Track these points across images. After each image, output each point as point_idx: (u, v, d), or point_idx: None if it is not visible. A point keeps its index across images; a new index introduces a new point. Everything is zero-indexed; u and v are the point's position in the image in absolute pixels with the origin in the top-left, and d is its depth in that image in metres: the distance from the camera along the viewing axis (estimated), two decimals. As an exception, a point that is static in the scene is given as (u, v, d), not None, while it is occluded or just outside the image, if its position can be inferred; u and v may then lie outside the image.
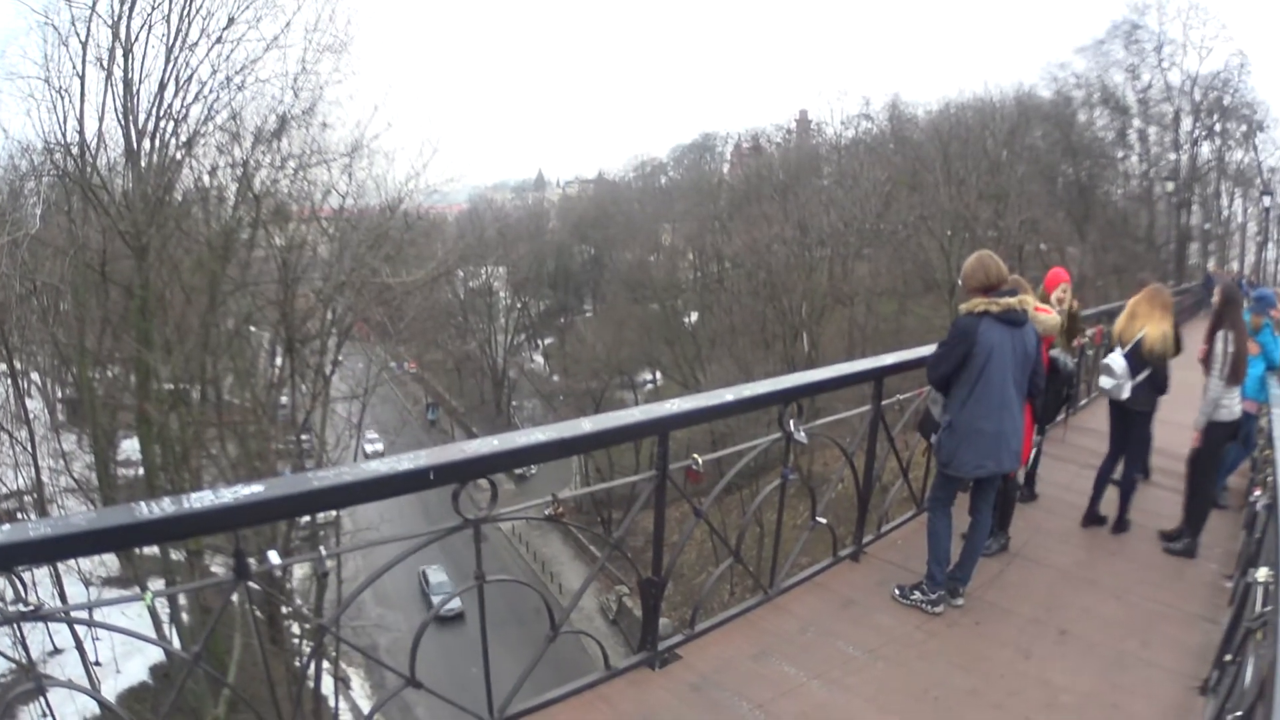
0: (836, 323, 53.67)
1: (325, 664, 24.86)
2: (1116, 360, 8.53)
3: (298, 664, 24.01)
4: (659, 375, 66.15)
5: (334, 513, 25.66)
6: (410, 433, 50.30)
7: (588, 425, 4.87)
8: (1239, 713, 3.82)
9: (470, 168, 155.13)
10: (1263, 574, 4.90)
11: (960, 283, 6.74)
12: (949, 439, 6.53)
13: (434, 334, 65.93)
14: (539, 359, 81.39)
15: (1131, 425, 8.65)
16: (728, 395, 5.71)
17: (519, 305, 78.75)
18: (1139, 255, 52.02)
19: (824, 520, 6.94)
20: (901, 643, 6.20)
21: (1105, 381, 8.66)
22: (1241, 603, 5.49)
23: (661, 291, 66.52)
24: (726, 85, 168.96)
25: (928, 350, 7.59)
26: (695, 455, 5.49)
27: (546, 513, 4.97)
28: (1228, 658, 5.12)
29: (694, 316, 65.84)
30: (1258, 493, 7.62)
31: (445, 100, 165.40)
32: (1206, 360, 8.37)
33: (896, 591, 6.83)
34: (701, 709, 5.21)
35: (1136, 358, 8.40)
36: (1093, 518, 8.69)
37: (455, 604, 30.57)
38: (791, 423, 6.07)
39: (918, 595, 6.71)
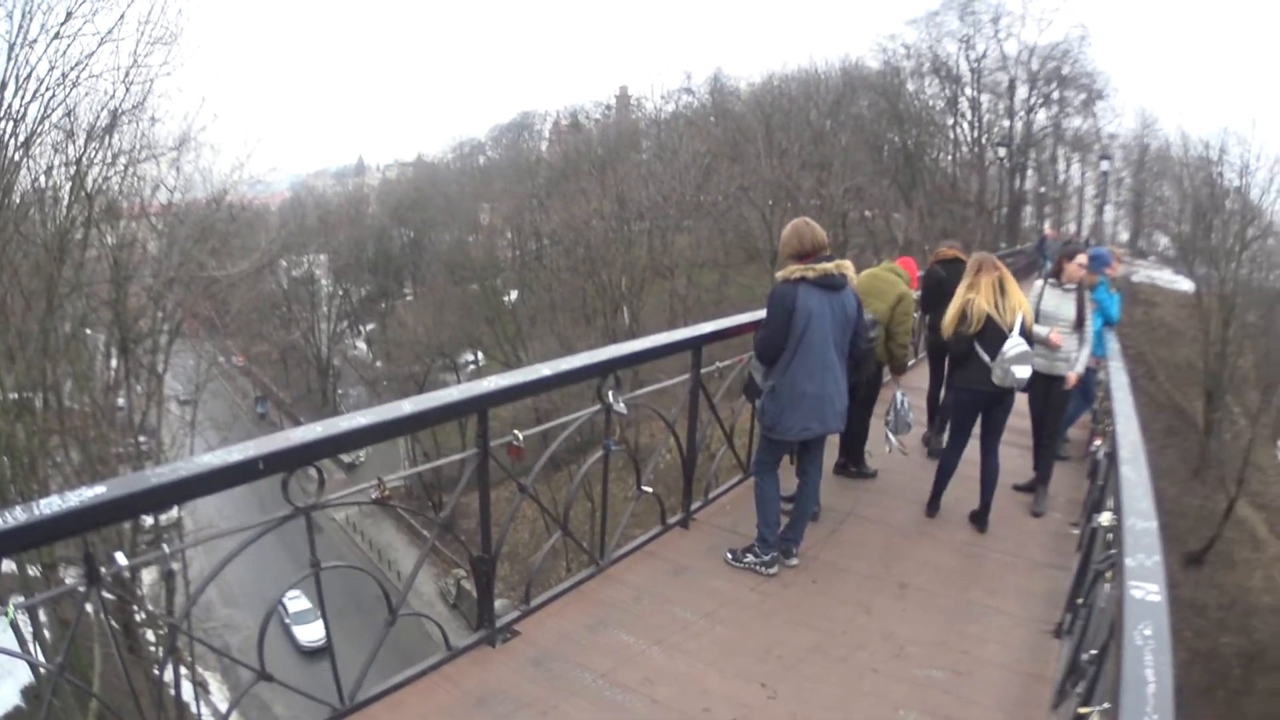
0: (657, 295, 53.69)
1: (184, 670, 24.47)
2: (1018, 343, 7.50)
3: (155, 670, 23.53)
4: (481, 355, 65.55)
5: (176, 513, 25.45)
6: (241, 427, 48.89)
7: (408, 406, 4.91)
8: (1094, 650, 3.99)
9: (292, 155, 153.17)
10: (1106, 518, 5.18)
11: (778, 251, 6.90)
12: (772, 404, 6.64)
13: (259, 326, 64.15)
14: (362, 345, 79.91)
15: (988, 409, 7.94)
16: (545, 370, 5.77)
17: (340, 292, 76.96)
18: (969, 219, 52.82)
19: (649, 489, 7.06)
20: (738, 605, 6.33)
21: (1021, 371, 7.47)
22: (1089, 547, 5.77)
23: (480, 271, 65.89)
24: (547, 64, 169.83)
25: (746, 318, 7.76)
26: (516, 431, 5.52)
27: (374, 496, 4.97)
28: (1080, 600, 5.35)
29: (514, 295, 65.53)
30: (1098, 442, 8.11)
31: (267, 87, 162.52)
32: (1079, 321, 8.52)
33: (729, 555, 6.95)
34: (544, 682, 5.27)
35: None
36: (936, 508, 8.28)
37: (319, 636, 33.37)
38: (610, 394, 6.15)
39: (750, 558, 6.83)
